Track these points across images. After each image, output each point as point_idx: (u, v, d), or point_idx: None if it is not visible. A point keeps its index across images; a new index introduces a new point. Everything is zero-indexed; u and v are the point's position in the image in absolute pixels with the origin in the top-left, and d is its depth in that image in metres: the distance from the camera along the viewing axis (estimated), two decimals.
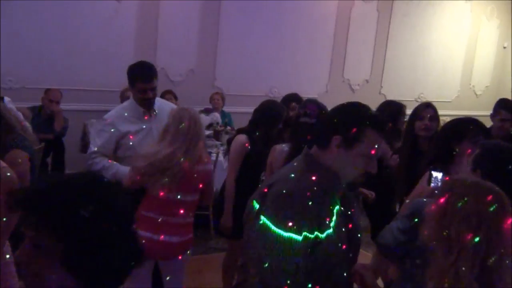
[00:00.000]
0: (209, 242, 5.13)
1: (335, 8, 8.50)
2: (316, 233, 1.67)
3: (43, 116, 5.68)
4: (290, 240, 1.62)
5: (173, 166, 2.75)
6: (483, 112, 5.76)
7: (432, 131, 3.35)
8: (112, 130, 3.18)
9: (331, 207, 1.75)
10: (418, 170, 2.96)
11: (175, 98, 6.01)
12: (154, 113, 3.34)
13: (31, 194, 1.14)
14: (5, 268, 2.27)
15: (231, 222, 3.51)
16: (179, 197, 2.84)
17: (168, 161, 2.75)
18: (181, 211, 2.88)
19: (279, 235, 1.63)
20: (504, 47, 11.28)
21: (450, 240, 1.52)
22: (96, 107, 6.43)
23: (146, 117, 3.31)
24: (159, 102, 3.48)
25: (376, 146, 1.74)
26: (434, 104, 3.62)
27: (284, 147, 3.25)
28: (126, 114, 3.24)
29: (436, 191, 1.93)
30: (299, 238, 1.63)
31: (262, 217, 1.67)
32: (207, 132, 5.38)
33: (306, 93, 5.73)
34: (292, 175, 1.76)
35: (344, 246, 1.77)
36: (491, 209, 1.50)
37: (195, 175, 2.88)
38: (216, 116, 6.37)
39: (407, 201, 2.71)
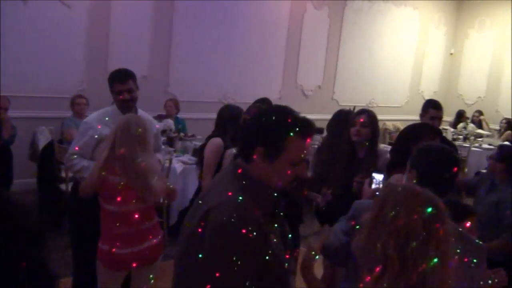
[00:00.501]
0: (165, 249, 5.08)
1: (288, 14, 8.63)
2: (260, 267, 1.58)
3: None
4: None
5: (128, 168, 2.75)
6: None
7: (363, 137, 3.50)
8: (91, 132, 3.22)
9: (271, 230, 1.65)
10: (356, 175, 3.27)
11: None
12: None
13: None
14: None
15: None
16: (134, 201, 2.83)
17: (123, 163, 2.75)
18: (136, 216, 2.86)
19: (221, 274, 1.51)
20: (451, 54, 11.72)
21: (376, 255, 1.47)
22: (45, 114, 6.32)
23: None
24: (141, 113, 3.47)
25: (302, 152, 1.67)
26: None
27: (233, 150, 3.32)
28: (106, 119, 3.26)
29: (377, 193, 1.92)
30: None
31: (201, 254, 1.56)
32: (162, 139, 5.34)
33: None
34: (227, 200, 1.60)
35: (286, 266, 1.69)
36: (424, 217, 1.45)
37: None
38: (170, 122, 6.34)
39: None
